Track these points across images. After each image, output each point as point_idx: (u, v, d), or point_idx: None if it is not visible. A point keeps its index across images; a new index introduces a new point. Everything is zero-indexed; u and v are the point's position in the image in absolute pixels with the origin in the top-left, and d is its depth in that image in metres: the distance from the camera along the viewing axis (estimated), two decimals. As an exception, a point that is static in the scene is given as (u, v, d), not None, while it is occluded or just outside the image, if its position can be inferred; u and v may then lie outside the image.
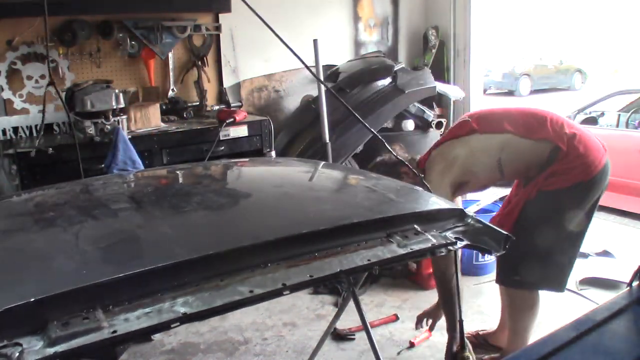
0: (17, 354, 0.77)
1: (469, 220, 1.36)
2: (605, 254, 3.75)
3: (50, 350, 0.79)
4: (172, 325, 0.88)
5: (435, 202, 1.46)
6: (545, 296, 3.17)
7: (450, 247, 1.25)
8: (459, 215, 1.36)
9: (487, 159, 2.25)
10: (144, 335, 0.86)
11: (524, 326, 2.33)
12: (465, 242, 1.28)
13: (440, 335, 2.76)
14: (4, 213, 1.43)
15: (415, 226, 1.25)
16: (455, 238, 1.28)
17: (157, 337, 2.79)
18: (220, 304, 0.93)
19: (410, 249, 1.18)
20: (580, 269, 3.47)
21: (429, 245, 1.21)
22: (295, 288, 1.02)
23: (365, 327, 2.06)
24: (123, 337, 0.83)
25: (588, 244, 3.91)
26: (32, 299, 0.83)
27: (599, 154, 2.18)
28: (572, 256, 2.37)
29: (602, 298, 2.94)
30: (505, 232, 1.35)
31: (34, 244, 1.16)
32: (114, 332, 0.83)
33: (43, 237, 1.21)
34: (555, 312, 3.00)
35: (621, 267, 3.42)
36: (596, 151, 2.17)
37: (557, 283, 2.35)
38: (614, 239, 4.11)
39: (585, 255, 3.73)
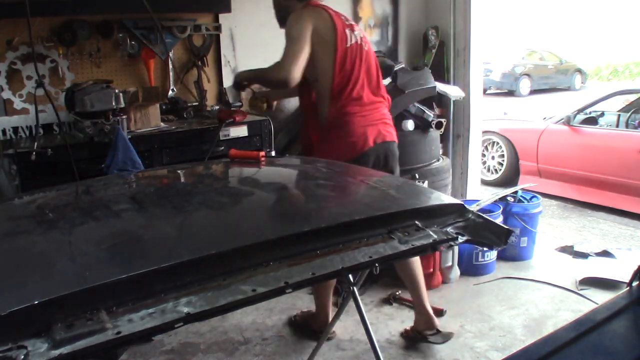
0: (22, 357, 0.77)
1: (470, 216, 1.36)
2: (605, 254, 3.75)
3: (55, 353, 0.79)
4: (176, 326, 0.88)
5: (436, 198, 1.47)
6: (545, 296, 3.19)
7: (452, 243, 1.26)
8: (460, 210, 1.37)
9: (326, 46, 2.40)
10: (148, 336, 0.87)
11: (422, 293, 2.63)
12: (466, 237, 1.29)
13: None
14: (6, 215, 1.43)
15: (416, 222, 1.26)
16: (456, 233, 1.29)
17: (157, 337, 2.79)
18: (223, 303, 0.93)
19: (412, 245, 1.19)
20: (580, 269, 3.48)
21: (430, 240, 1.21)
22: (298, 286, 1.03)
23: (365, 327, 2.07)
24: (127, 338, 0.83)
25: (588, 244, 3.94)
26: (36, 302, 0.83)
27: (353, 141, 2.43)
28: None
29: (602, 298, 2.94)
30: (506, 227, 1.36)
31: (36, 246, 1.16)
32: (118, 333, 0.83)
33: (46, 239, 1.21)
34: (555, 312, 3.01)
35: (621, 267, 3.43)
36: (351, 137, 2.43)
37: None
38: (614, 239, 4.12)
39: (585, 255, 3.74)
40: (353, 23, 2.57)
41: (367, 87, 2.50)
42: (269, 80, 2.62)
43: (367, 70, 2.50)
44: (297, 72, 2.33)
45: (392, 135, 2.56)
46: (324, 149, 2.43)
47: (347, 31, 2.47)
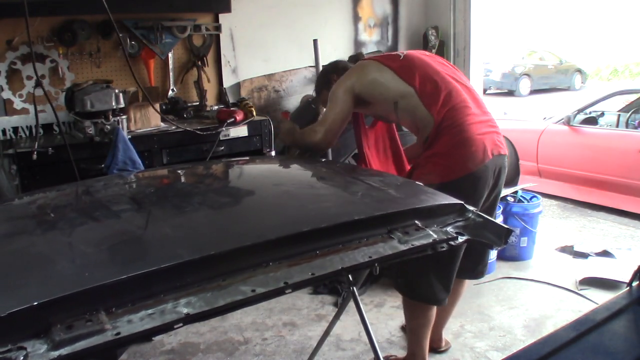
0: (22, 358, 0.77)
1: (470, 215, 1.36)
2: (605, 254, 3.75)
3: (55, 354, 0.79)
4: (176, 326, 0.88)
5: (436, 198, 1.47)
6: (545, 296, 3.19)
7: (452, 242, 1.25)
8: (460, 210, 1.36)
9: (388, 94, 2.15)
10: (147, 337, 0.87)
11: (417, 338, 2.28)
12: (466, 237, 1.28)
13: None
14: (6, 216, 1.43)
15: (416, 222, 1.26)
16: (456, 233, 1.29)
17: (157, 337, 2.79)
18: (222, 303, 0.93)
19: (412, 244, 1.18)
20: (580, 269, 3.48)
21: (430, 240, 1.21)
22: (298, 286, 1.03)
23: (365, 327, 2.06)
24: (127, 338, 0.83)
25: (588, 244, 3.94)
26: (36, 303, 0.83)
27: (467, 157, 2.02)
28: (446, 270, 2.13)
29: (602, 298, 2.94)
30: (506, 227, 1.35)
31: (36, 247, 1.16)
32: (118, 334, 0.83)
33: (45, 240, 1.21)
34: (555, 312, 3.00)
35: (621, 267, 3.42)
36: (464, 154, 2.02)
37: (425, 296, 2.18)
38: (614, 239, 4.11)
39: (585, 255, 3.74)
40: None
41: (458, 86, 2.16)
42: (305, 145, 2.28)
43: (446, 71, 2.20)
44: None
45: (505, 147, 2.18)
46: (432, 168, 2.04)
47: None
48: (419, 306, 2.23)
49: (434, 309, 2.24)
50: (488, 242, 1.33)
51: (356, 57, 2.57)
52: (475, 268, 2.34)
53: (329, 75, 2.39)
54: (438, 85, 2.09)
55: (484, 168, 2.03)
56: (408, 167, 2.35)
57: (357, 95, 2.17)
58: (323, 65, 2.58)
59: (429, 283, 2.12)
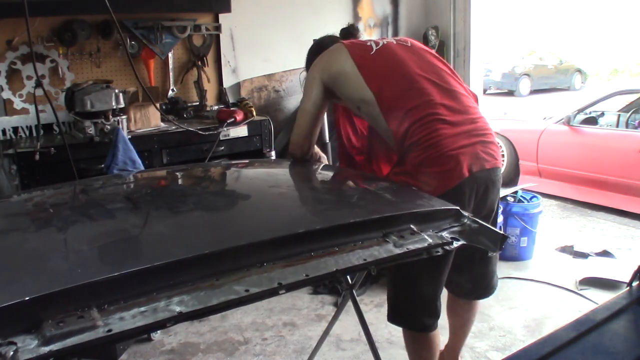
0: (12, 353, 0.77)
1: (465, 220, 1.36)
2: (605, 254, 3.75)
3: (45, 349, 0.78)
4: (168, 324, 0.88)
5: (432, 202, 1.47)
6: (545, 296, 3.19)
7: (447, 247, 1.25)
8: (455, 215, 1.37)
9: (350, 94, 1.88)
10: (139, 334, 0.86)
11: None
12: (461, 242, 1.29)
13: (440, 335, 2.76)
14: (0, 213, 1.43)
15: (412, 226, 1.26)
16: (452, 238, 1.29)
17: (157, 337, 2.79)
18: (215, 302, 0.93)
19: (407, 248, 1.18)
20: (580, 269, 3.48)
21: (425, 244, 1.21)
22: (291, 287, 1.02)
23: (364, 327, 2.06)
24: (118, 335, 0.83)
25: (588, 244, 3.93)
26: (27, 298, 0.83)
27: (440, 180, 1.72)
28: (427, 293, 1.87)
29: (602, 298, 2.93)
30: (502, 232, 1.35)
31: (29, 243, 1.16)
32: (109, 330, 0.83)
33: (38, 237, 1.21)
34: (555, 312, 3.00)
35: (621, 267, 3.42)
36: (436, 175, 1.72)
37: (410, 322, 1.95)
38: (614, 239, 4.11)
39: (585, 255, 3.73)
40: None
41: (434, 89, 1.82)
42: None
43: (423, 68, 1.87)
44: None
45: (495, 158, 1.85)
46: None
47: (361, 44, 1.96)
48: (410, 335, 2.00)
49: (432, 337, 1.96)
50: (483, 247, 1.33)
51: (347, 31, 2.27)
52: (477, 286, 2.11)
53: (314, 57, 2.05)
54: (403, 93, 1.79)
55: (456, 189, 1.71)
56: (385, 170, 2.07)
57: (325, 86, 1.90)
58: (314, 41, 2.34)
59: (411, 308, 1.92)
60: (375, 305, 3.11)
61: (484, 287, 2.11)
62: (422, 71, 1.85)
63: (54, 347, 0.79)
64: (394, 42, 1.97)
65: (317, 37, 3.75)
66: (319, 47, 2.11)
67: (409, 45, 1.97)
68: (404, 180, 1.75)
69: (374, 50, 1.90)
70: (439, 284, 1.88)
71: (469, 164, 1.74)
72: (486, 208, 1.86)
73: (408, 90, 1.80)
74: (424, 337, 1.95)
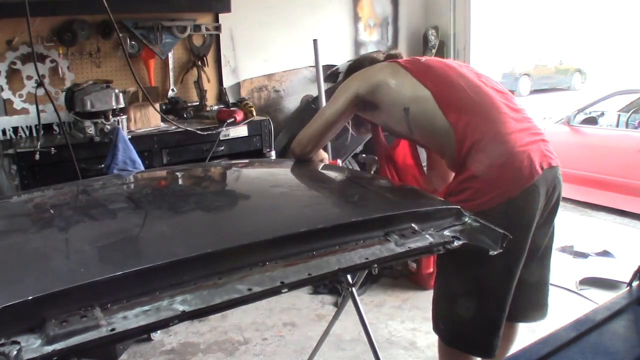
0: (15, 352, 0.77)
1: (467, 219, 1.36)
2: (605, 254, 3.75)
3: (49, 349, 0.78)
4: (171, 324, 0.88)
5: (433, 201, 1.47)
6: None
7: (448, 246, 1.25)
8: (457, 214, 1.37)
9: (398, 97, 1.79)
10: (142, 333, 0.87)
11: None
12: (462, 241, 1.29)
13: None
14: (2, 213, 1.43)
15: (413, 225, 1.26)
16: (453, 237, 1.29)
17: (157, 337, 2.79)
18: (218, 301, 0.93)
19: (408, 247, 1.18)
20: (580, 269, 3.48)
21: (427, 243, 1.21)
22: (294, 286, 1.03)
23: (364, 327, 2.07)
24: (121, 335, 0.83)
25: (588, 244, 3.93)
26: (30, 297, 0.83)
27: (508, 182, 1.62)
28: (497, 311, 1.70)
29: (602, 298, 2.93)
30: (502, 231, 1.33)
31: (32, 243, 1.16)
32: (112, 330, 0.83)
33: (41, 236, 1.21)
34: (555, 312, 3.00)
35: (621, 267, 3.42)
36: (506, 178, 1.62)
37: (471, 344, 1.75)
38: (614, 239, 4.11)
39: (585, 255, 3.74)
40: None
41: (490, 88, 1.79)
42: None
43: (473, 72, 1.85)
44: None
45: (556, 157, 1.78)
46: (468, 194, 1.63)
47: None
48: (457, 356, 1.79)
49: None
50: (484, 246, 1.33)
51: (391, 56, 2.06)
52: (531, 307, 1.96)
53: (352, 72, 1.97)
54: (460, 88, 1.73)
55: (532, 187, 1.63)
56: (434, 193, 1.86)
57: (361, 97, 1.83)
58: (349, 62, 2.25)
59: (477, 326, 1.70)
60: (375, 305, 3.11)
61: (540, 306, 1.99)
62: (472, 76, 1.80)
63: (57, 346, 0.79)
64: (437, 59, 1.94)
65: (316, 38, 3.77)
66: (358, 64, 2.03)
67: (453, 62, 1.95)
68: (472, 186, 1.63)
69: (424, 59, 1.88)
70: (508, 298, 1.71)
71: (540, 162, 1.66)
72: (552, 207, 1.80)
73: (465, 87, 1.73)
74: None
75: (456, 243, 1.27)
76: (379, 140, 2.06)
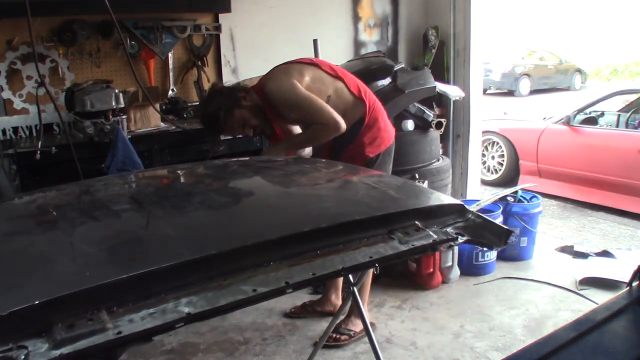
0: (23, 357, 0.77)
1: (470, 216, 1.36)
2: (605, 254, 3.75)
3: (56, 353, 0.78)
4: (177, 326, 0.88)
5: (436, 198, 1.47)
6: (545, 296, 3.19)
7: (452, 243, 1.25)
8: (460, 210, 1.36)
9: (322, 87, 2.50)
10: (148, 336, 0.86)
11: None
12: (466, 238, 1.29)
13: (440, 335, 2.77)
14: (6, 216, 1.43)
15: (416, 222, 1.25)
16: (456, 234, 1.29)
17: (157, 337, 2.79)
18: (224, 303, 0.93)
19: (412, 245, 1.18)
20: (580, 269, 3.48)
21: (430, 241, 1.21)
22: (299, 286, 1.02)
23: (365, 327, 2.07)
24: (128, 338, 0.83)
25: (588, 244, 3.94)
26: (37, 302, 0.83)
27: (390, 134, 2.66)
28: None
29: (602, 298, 2.94)
30: (506, 227, 1.35)
31: (37, 246, 1.16)
32: (119, 333, 0.83)
33: (46, 240, 1.21)
34: (555, 312, 3.01)
35: (621, 267, 3.43)
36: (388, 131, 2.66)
37: None
38: (614, 239, 4.12)
39: (585, 255, 3.74)
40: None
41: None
42: (320, 140, 2.56)
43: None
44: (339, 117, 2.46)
45: None
46: (380, 140, 2.58)
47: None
48: None
49: None
50: (488, 242, 1.33)
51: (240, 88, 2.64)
52: None
53: (235, 94, 2.47)
54: (353, 78, 2.64)
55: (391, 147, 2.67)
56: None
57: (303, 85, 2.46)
58: (208, 103, 2.57)
59: None
60: (375, 305, 3.12)
61: None
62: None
63: (64, 350, 0.79)
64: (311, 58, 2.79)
65: (316, 38, 3.76)
66: (235, 90, 2.56)
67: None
68: (382, 135, 2.61)
69: (315, 59, 2.76)
70: None
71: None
72: None
73: (352, 77, 2.63)
74: None
75: (460, 240, 1.27)
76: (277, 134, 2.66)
